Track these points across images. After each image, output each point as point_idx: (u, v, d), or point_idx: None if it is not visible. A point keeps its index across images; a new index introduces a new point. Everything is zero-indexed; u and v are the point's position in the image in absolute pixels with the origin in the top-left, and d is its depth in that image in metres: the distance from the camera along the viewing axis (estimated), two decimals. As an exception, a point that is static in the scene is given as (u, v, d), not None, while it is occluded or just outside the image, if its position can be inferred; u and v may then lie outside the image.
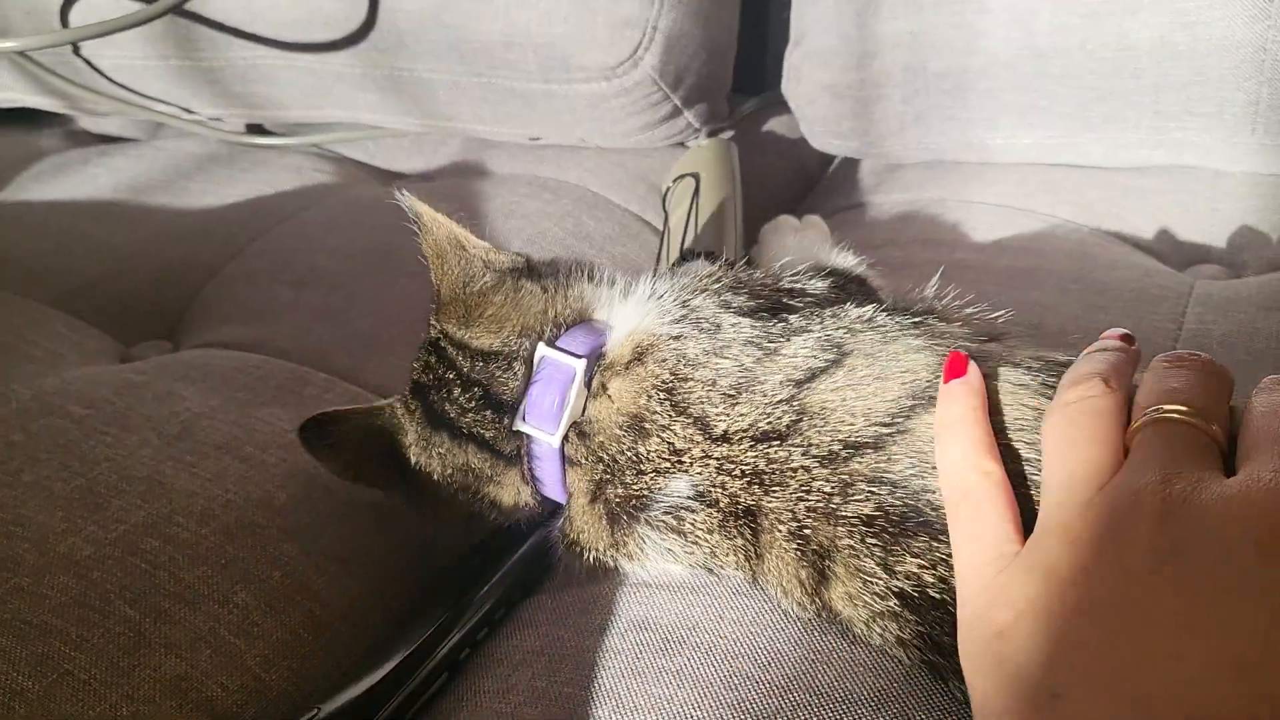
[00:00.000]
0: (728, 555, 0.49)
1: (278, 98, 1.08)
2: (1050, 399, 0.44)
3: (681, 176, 0.93)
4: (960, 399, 0.44)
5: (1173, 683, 0.32)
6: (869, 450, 0.45)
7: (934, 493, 0.43)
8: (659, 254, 0.89)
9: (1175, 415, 0.39)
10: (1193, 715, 0.31)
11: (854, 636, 0.46)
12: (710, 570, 0.50)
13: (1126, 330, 0.47)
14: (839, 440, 0.46)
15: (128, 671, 0.53)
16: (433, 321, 0.58)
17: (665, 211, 0.92)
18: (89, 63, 1.09)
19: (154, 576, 0.57)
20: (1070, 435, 0.40)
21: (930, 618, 0.42)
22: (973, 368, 0.45)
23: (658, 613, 0.51)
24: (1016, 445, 0.44)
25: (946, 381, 0.45)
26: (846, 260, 0.65)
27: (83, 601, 0.55)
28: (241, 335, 0.82)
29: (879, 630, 0.44)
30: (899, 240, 0.83)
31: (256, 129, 1.19)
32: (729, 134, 1.04)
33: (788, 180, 1.10)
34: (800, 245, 0.68)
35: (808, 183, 1.12)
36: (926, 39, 0.84)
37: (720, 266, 0.58)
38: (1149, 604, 0.34)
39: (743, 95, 1.14)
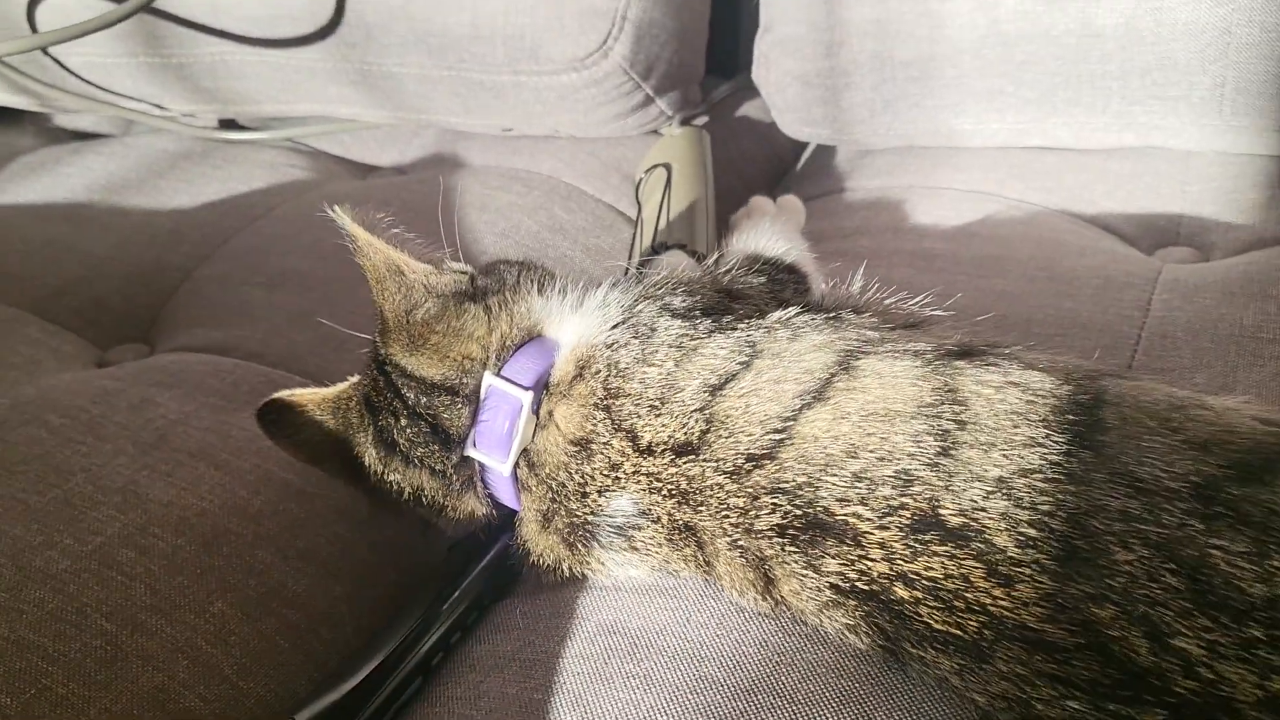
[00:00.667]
0: (680, 564, 0.50)
1: (248, 93, 1.08)
2: (932, 383, 0.45)
3: (654, 166, 0.93)
4: None
5: None
6: (766, 461, 0.46)
7: (825, 497, 0.44)
8: (632, 244, 0.89)
9: None
10: None
11: (811, 626, 0.47)
12: (671, 573, 0.51)
13: None
14: (740, 453, 0.47)
15: (105, 685, 0.53)
16: (378, 342, 0.57)
17: (639, 201, 0.92)
18: (57, 61, 1.08)
19: (130, 589, 0.58)
20: None
21: (866, 607, 0.43)
22: None
23: (626, 616, 0.52)
24: (871, 426, 0.45)
25: None
26: (776, 248, 0.64)
27: (59, 616, 0.56)
28: (215, 339, 0.82)
29: (828, 618, 0.45)
30: (869, 229, 0.84)
31: (230, 124, 1.18)
32: (702, 121, 1.04)
33: (762, 164, 1.10)
34: (775, 231, 0.67)
35: (782, 166, 1.12)
36: (893, 27, 0.84)
37: (683, 258, 0.58)
38: None
39: (717, 79, 1.14)
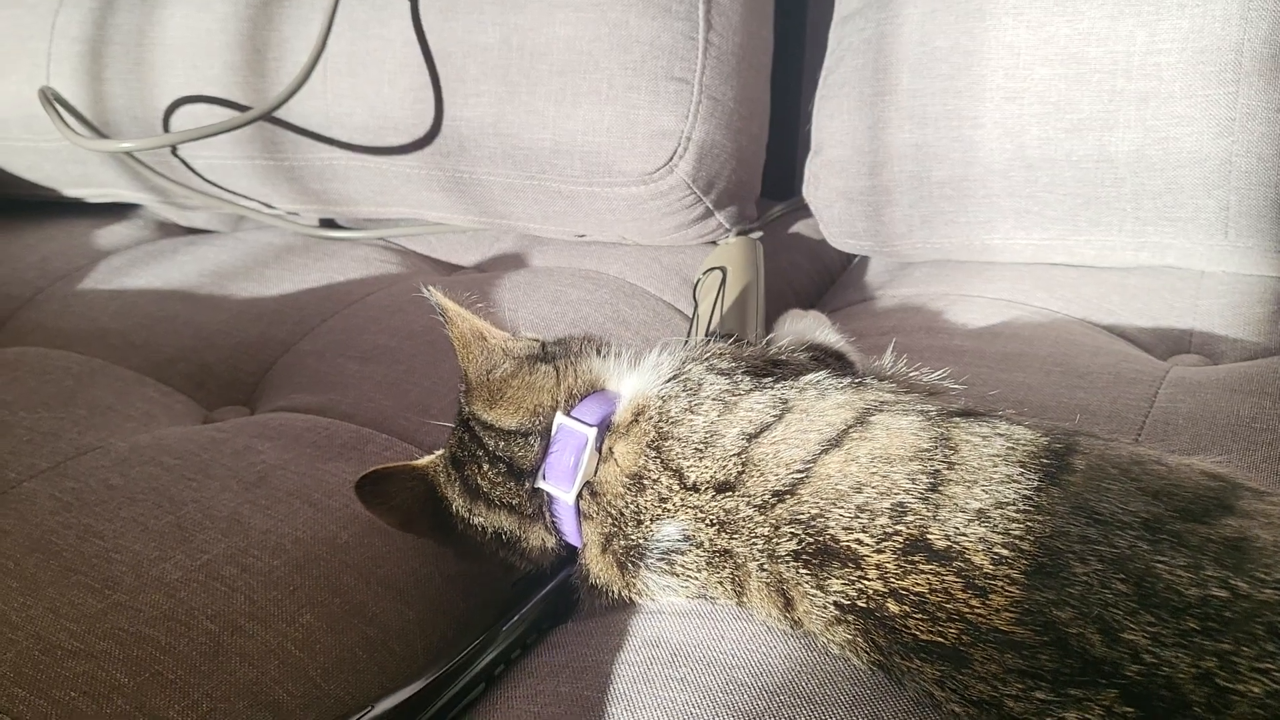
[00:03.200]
0: (717, 588, 0.57)
1: (350, 195, 1.21)
2: (931, 434, 0.53)
3: (710, 269, 1.02)
4: None
5: None
6: (787, 496, 0.54)
7: (833, 526, 0.51)
8: (688, 338, 0.98)
9: None
10: None
11: (820, 647, 0.53)
12: (707, 598, 0.58)
13: None
14: (768, 489, 0.54)
15: (208, 675, 0.61)
16: (463, 402, 0.67)
17: (695, 300, 1.01)
18: (184, 162, 1.22)
19: (232, 598, 0.66)
20: None
21: (863, 623, 0.50)
22: None
23: (667, 633, 0.59)
24: (875, 467, 0.52)
25: None
26: (829, 337, 0.74)
27: (171, 616, 0.64)
28: (311, 402, 0.92)
29: (831, 637, 0.52)
30: (902, 328, 0.92)
31: (329, 223, 1.31)
32: (757, 234, 1.14)
33: (810, 274, 1.19)
34: (798, 329, 0.77)
35: (830, 278, 1.21)
36: (929, 150, 0.94)
37: (728, 344, 0.67)
38: None
39: (773, 200, 1.25)
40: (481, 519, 0.65)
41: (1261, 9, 0.80)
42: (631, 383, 0.64)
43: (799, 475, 0.54)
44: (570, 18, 1.03)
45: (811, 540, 0.52)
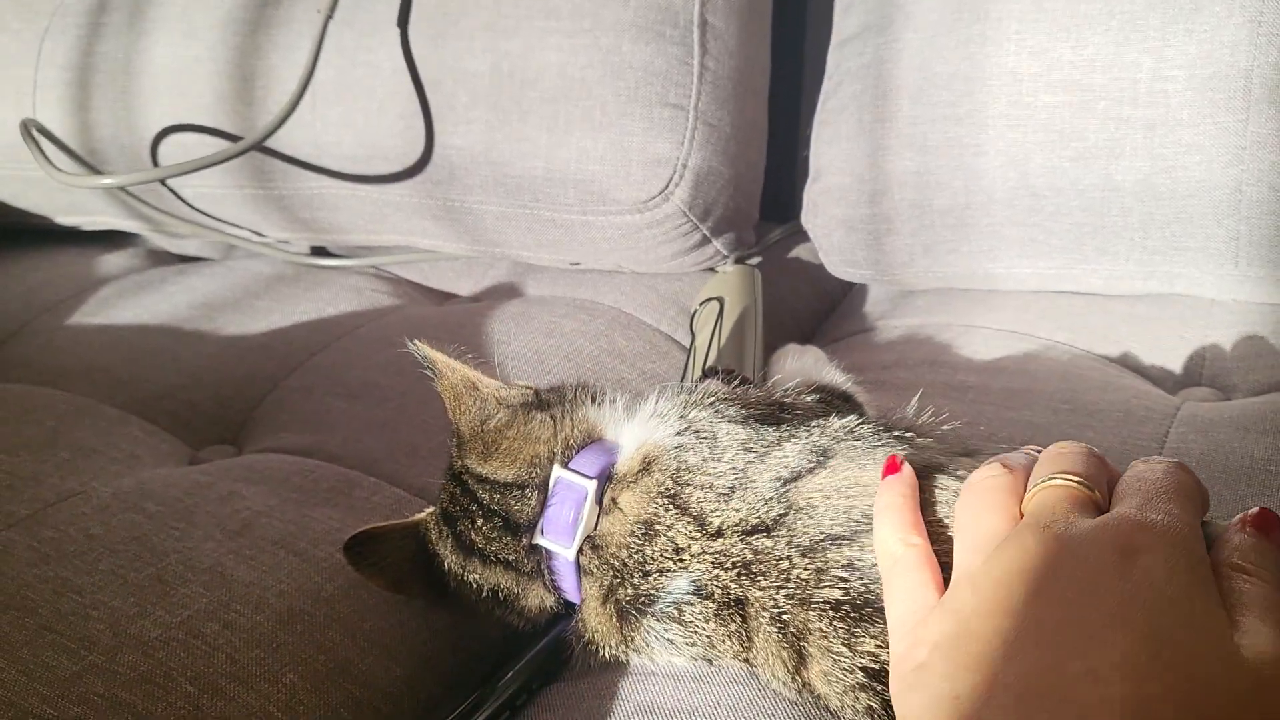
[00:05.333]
0: (723, 641, 0.54)
1: (340, 223, 1.19)
2: None
3: (708, 300, 1.00)
4: (893, 489, 0.51)
5: (1053, 681, 0.38)
6: (845, 541, 0.51)
7: None
8: (685, 370, 0.96)
9: (1061, 481, 0.46)
10: (1067, 707, 0.37)
11: (832, 712, 0.51)
12: (709, 660, 0.56)
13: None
14: (821, 531, 0.52)
15: (186, 743, 0.59)
16: (454, 456, 0.65)
17: (692, 331, 0.99)
18: (173, 192, 1.20)
19: (213, 657, 0.64)
20: (975, 508, 0.48)
21: (886, 696, 0.47)
22: (906, 467, 0.52)
23: (662, 699, 0.56)
24: (941, 532, 0.50)
25: (884, 478, 0.52)
26: (836, 378, 0.71)
27: (149, 678, 0.62)
28: (298, 442, 0.89)
29: (850, 702, 0.49)
30: (906, 362, 0.90)
31: (320, 251, 1.29)
32: (755, 261, 1.12)
33: (810, 301, 1.17)
34: (801, 368, 0.75)
35: (829, 305, 1.19)
36: (931, 178, 0.91)
37: (724, 384, 0.65)
38: (1031, 621, 0.40)
39: (771, 224, 1.23)
40: (476, 576, 0.63)
41: (1271, 35, 0.78)
42: (634, 432, 0.62)
43: (861, 524, 0.52)
44: (562, 44, 1.01)
45: (862, 590, 0.50)
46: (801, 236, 1.20)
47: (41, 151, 1.12)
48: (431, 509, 0.67)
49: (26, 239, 1.38)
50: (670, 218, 1.03)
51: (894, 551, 0.49)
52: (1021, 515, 0.46)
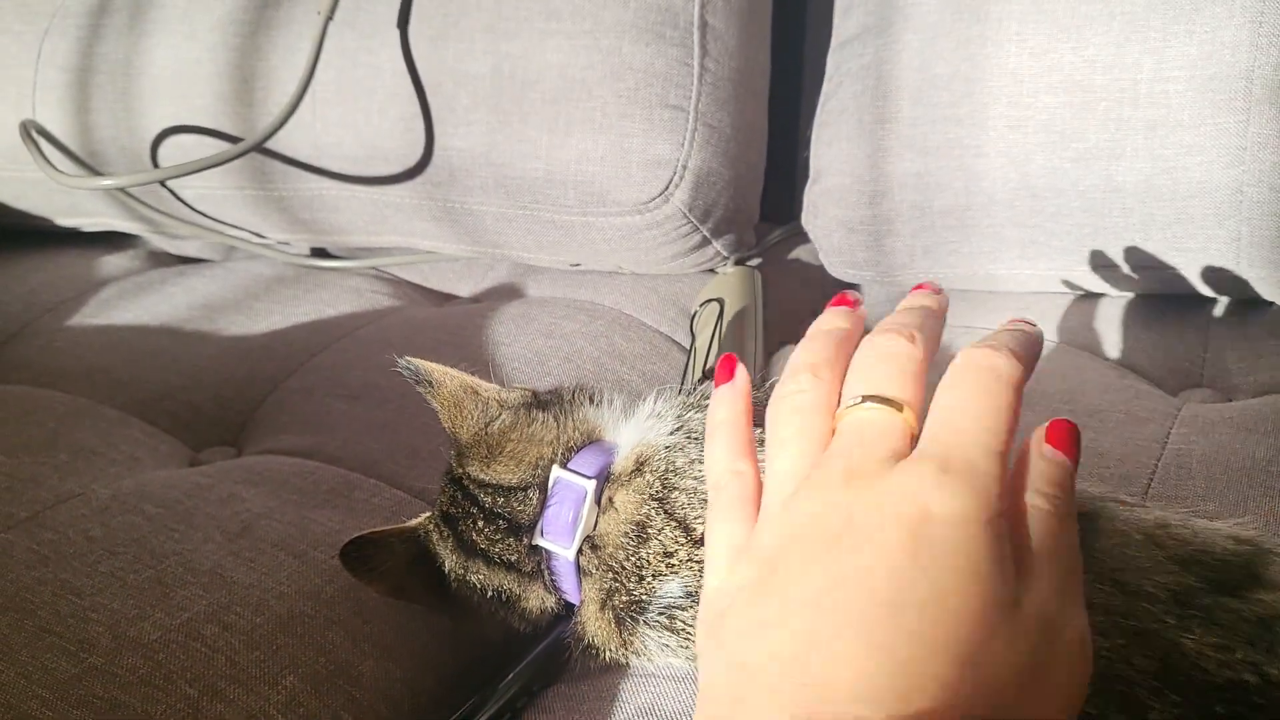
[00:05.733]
0: None
1: (340, 224, 1.18)
2: None
3: (708, 301, 1.00)
4: (726, 403, 0.49)
5: (835, 677, 0.36)
6: None
7: None
8: (685, 371, 0.96)
9: (870, 410, 0.43)
10: (829, 691, 0.36)
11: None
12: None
13: (854, 296, 0.52)
14: None
15: (186, 744, 0.59)
16: (453, 463, 0.64)
17: (693, 332, 0.99)
18: (174, 193, 1.20)
19: (212, 660, 0.63)
20: (780, 434, 0.45)
21: None
22: (740, 371, 0.50)
23: (662, 701, 0.56)
24: None
25: (717, 386, 0.50)
26: None
27: (148, 681, 0.61)
28: (298, 443, 0.89)
29: None
30: (906, 363, 0.89)
31: (320, 252, 1.29)
32: (755, 262, 1.12)
33: (811, 304, 1.16)
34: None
35: (830, 306, 1.18)
36: (931, 179, 0.91)
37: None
38: (818, 596, 0.38)
39: (772, 225, 1.23)
40: (479, 578, 0.62)
41: (1272, 35, 0.77)
42: (630, 432, 0.62)
43: None
44: (562, 45, 1.01)
45: None
46: (802, 238, 1.20)
47: (41, 153, 1.12)
48: (428, 513, 0.67)
49: (27, 240, 1.38)
50: (670, 219, 1.03)
51: (719, 478, 0.47)
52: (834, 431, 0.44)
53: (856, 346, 0.47)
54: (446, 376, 0.65)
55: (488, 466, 0.62)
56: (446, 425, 0.65)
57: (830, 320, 0.50)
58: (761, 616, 0.40)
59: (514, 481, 0.61)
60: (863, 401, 0.43)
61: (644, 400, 0.64)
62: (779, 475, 0.45)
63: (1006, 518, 0.39)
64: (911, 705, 0.34)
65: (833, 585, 0.38)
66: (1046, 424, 0.43)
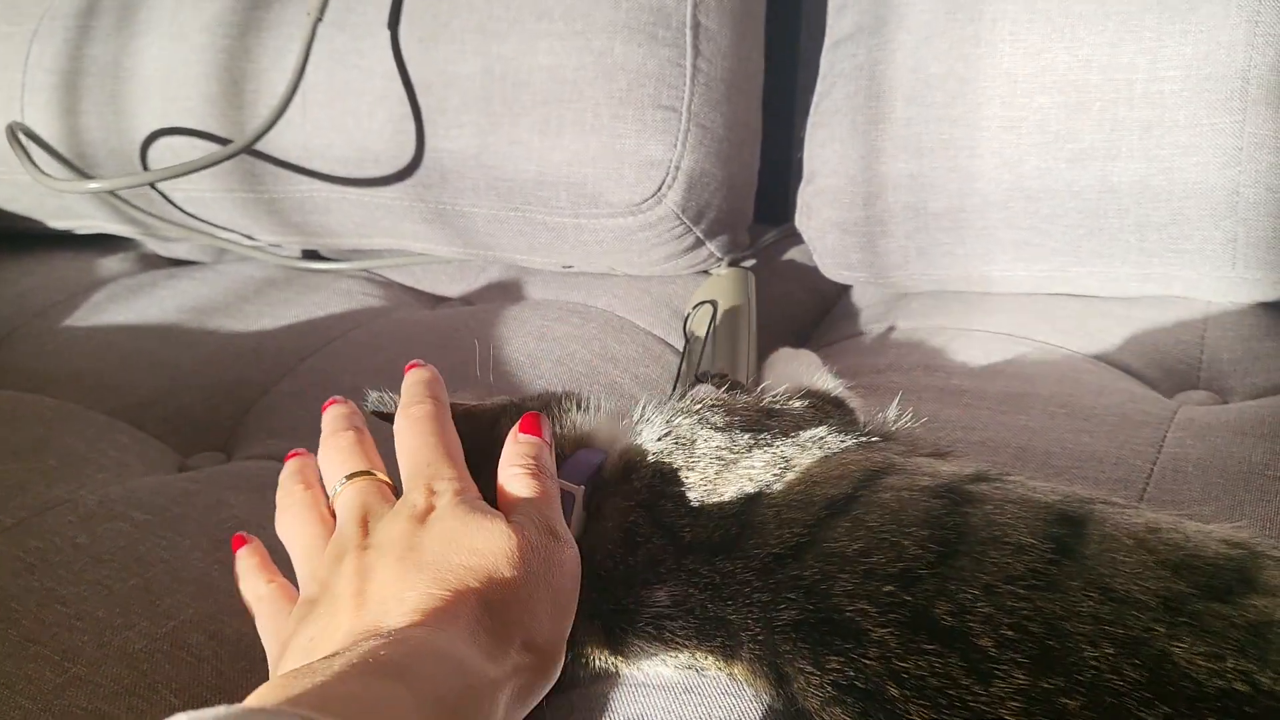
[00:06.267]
0: (706, 657, 0.53)
1: (331, 227, 1.18)
2: (944, 500, 0.51)
3: (701, 303, 0.99)
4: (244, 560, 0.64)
5: (374, 597, 0.50)
6: (790, 560, 0.50)
7: (838, 597, 0.48)
8: (678, 374, 0.95)
9: (352, 478, 0.59)
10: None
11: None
12: (697, 670, 0.55)
13: (300, 450, 0.67)
14: (769, 553, 0.51)
15: (170, 756, 0.58)
16: None
17: (686, 335, 0.99)
18: (164, 195, 1.19)
19: (198, 669, 0.63)
20: (294, 524, 0.60)
21: (862, 704, 0.46)
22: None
23: (652, 711, 0.55)
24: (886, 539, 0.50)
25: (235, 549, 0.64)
26: (826, 383, 0.71)
27: (133, 691, 0.61)
28: (287, 449, 0.88)
29: (829, 716, 0.48)
30: (900, 366, 0.89)
31: (312, 254, 1.28)
32: (749, 263, 1.11)
33: (804, 303, 1.16)
34: (794, 372, 0.74)
35: (824, 308, 1.18)
36: (925, 180, 0.91)
37: (716, 389, 0.64)
38: (353, 572, 0.52)
39: (765, 226, 1.22)
40: None
41: (1268, 35, 0.77)
42: (620, 437, 0.61)
43: (802, 539, 0.51)
44: (553, 46, 1.00)
45: (813, 610, 0.49)
46: (795, 239, 1.19)
47: (28, 156, 1.11)
48: None
49: (19, 243, 1.37)
50: (663, 220, 1.02)
51: (257, 589, 0.61)
52: (333, 513, 0.59)
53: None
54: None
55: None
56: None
57: (292, 463, 0.67)
58: (322, 608, 0.52)
59: None
60: (347, 480, 0.59)
61: (636, 405, 0.63)
62: (306, 548, 0.59)
63: (477, 494, 0.55)
64: (436, 600, 0.48)
65: (370, 564, 0.52)
66: (520, 418, 0.58)
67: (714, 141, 1.01)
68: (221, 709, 0.36)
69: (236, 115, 1.11)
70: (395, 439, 0.60)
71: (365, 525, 0.55)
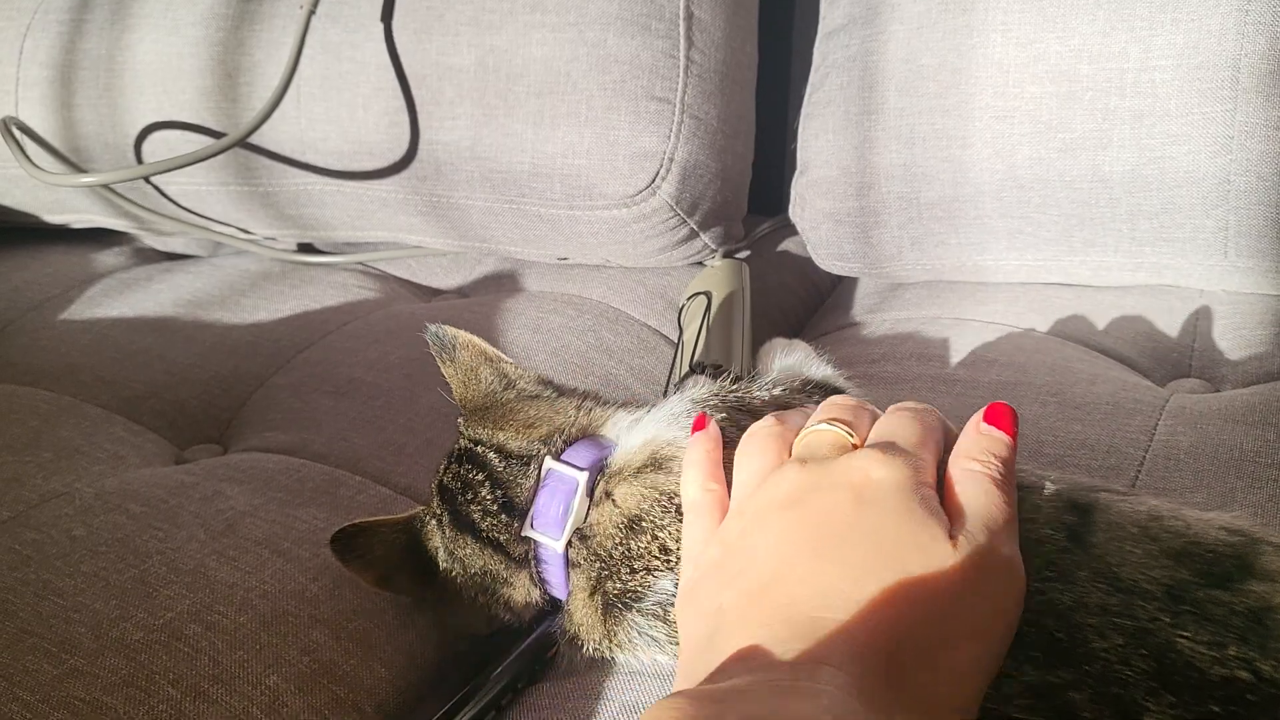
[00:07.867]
0: None
1: (326, 220, 1.18)
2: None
3: (695, 294, 1.00)
4: (698, 444, 0.56)
5: (787, 590, 0.44)
6: None
7: None
8: (673, 365, 0.95)
9: (824, 427, 0.52)
10: (796, 609, 0.44)
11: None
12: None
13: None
14: None
15: (168, 746, 0.58)
16: (463, 430, 0.64)
17: (680, 326, 0.99)
18: (158, 189, 1.19)
19: (196, 660, 0.63)
20: (747, 452, 0.53)
21: None
22: (711, 424, 0.57)
23: (648, 699, 0.56)
24: None
25: (692, 433, 0.57)
26: (823, 372, 0.71)
27: (131, 682, 0.61)
28: (284, 440, 0.89)
29: None
30: (894, 355, 0.89)
31: (307, 248, 1.28)
32: (743, 254, 1.11)
33: (799, 295, 1.16)
34: (789, 363, 0.75)
35: (819, 298, 1.18)
36: (918, 171, 0.91)
37: (711, 379, 0.64)
38: (777, 541, 0.47)
39: (759, 217, 1.22)
40: (466, 553, 0.62)
41: (1259, 23, 0.77)
42: (643, 428, 0.61)
43: None
44: (547, 38, 1.01)
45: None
46: (790, 230, 1.19)
47: (22, 150, 1.11)
48: (421, 508, 0.66)
49: (14, 237, 1.37)
50: (657, 212, 1.02)
51: (692, 496, 0.54)
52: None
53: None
54: (470, 340, 0.67)
55: (498, 429, 0.63)
56: (458, 394, 0.66)
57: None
58: (730, 571, 0.47)
59: (519, 448, 0.61)
60: (817, 425, 0.52)
61: (658, 400, 0.64)
62: (740, 484, 0.52)
63: (932, 487, 0.47)
64: (861, 604, 0.42)
65: (791, 530, 0.47)
66: (985, 407, 0.51)
67: (708, 133, 1.01)
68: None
69: (231, 109, 1.11)
70: (878, 423, 0.53)
71: (814, 462, 0.50)
